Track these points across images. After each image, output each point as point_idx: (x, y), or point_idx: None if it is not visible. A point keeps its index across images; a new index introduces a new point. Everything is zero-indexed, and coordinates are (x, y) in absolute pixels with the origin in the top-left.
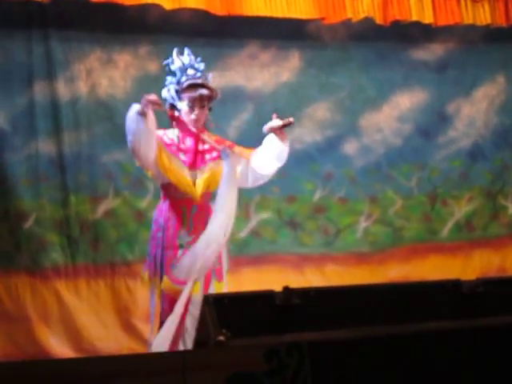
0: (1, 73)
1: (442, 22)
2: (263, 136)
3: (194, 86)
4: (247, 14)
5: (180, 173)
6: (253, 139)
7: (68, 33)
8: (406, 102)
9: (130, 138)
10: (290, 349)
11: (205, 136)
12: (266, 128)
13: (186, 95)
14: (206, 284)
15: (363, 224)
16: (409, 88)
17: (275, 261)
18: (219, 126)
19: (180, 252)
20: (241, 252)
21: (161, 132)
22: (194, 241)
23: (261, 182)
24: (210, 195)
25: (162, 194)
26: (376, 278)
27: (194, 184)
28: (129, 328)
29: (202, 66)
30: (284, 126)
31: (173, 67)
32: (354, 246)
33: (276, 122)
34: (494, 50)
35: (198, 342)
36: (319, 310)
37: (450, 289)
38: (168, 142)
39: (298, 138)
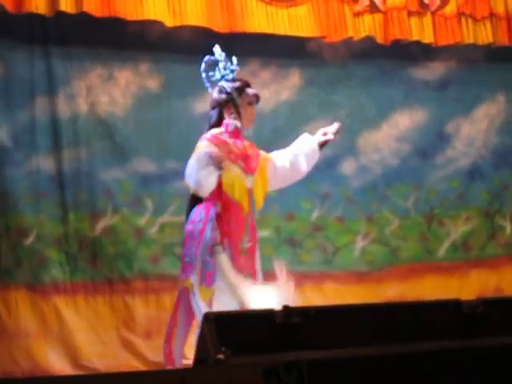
0: (3, 86)
1: (442, 42)
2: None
3: (246, 85)
4: (249, 31)
5: (240, 183)
6: None
7: (69, 49)
8: (405, 121)
9: (196, 186)
10: (289, 368)
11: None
12: (322, 131)
13: (250, 91)
14: None
15: (360, 243)
16: (409, 107)
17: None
18: None
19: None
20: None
21: (230, 141)
22: (253, 248)
23: (295, 179)
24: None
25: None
26: (374, 296)
27: (249, 191)
28: (127, 345)
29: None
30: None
31: (220, 64)
32: (352, 264)
33: (333, 128)
34: (494, 69)
35: (197, 359)
36: (319, 329)
37: (450, 309)
38: (234, 149)
39: None
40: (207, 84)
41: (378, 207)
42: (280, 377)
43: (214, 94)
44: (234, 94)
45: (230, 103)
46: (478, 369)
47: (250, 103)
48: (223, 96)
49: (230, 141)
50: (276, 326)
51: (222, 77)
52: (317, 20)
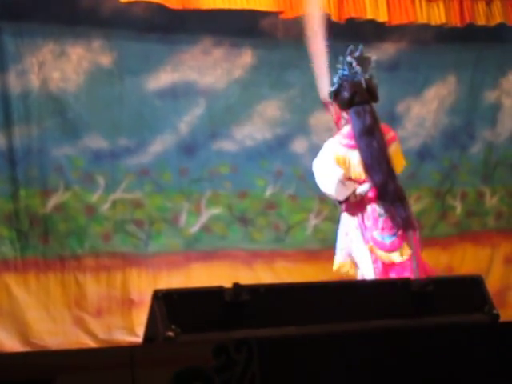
0: None
1: (396, 21)
2: (214, 131)
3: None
4: (204, 7)
5: None
6: (204, 134)
7: (20, 25)
8: None
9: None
10: (238, 345)
11: None
12: None
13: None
14: None
15: (313, 221)
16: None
17: (226, 256)
18: None
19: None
20: (191, 247)
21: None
22: None
23: None
24: None
25: None
26: (325, 275)
27: None
28: (78, 322)
29: None
30: None
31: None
32: (303, 242)
33: None
34: (445, 50)
35: (147, 337)
36: (269, 307)
37: (399, 287)
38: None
39: (248, 135)
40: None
41: None
42: (230, 354)
43: None
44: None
45: None
46: (427, 347)
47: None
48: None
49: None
50: (225, 303)
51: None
52: None
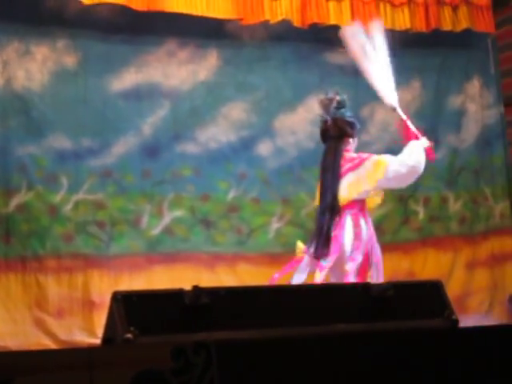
0: None
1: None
2: (177, 133)
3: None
4: (167, 10)
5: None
6: (167, 136)
7: None
8: None
9: None
10: (197, 348)
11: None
12: None
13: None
14: None
15: (275, 225)
16: (324, 91)
17: (188, 259)
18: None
19: None
20: (153, 250)
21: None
22: None
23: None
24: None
25: None
26: (287, 278)
27: None
28: (39, 323)
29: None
30: None
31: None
32: (266, 246)
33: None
34: (410, 55)
35: (106, 338)
36: (229, 310)
37: (359, 292)
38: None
39: (212, 138)
40: None
41: (293, 189)
42: (188, 357)
43: None
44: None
45: None
46: (386, 352)
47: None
48: None
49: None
50: (185, 306)
51: None
52: (234, 2)
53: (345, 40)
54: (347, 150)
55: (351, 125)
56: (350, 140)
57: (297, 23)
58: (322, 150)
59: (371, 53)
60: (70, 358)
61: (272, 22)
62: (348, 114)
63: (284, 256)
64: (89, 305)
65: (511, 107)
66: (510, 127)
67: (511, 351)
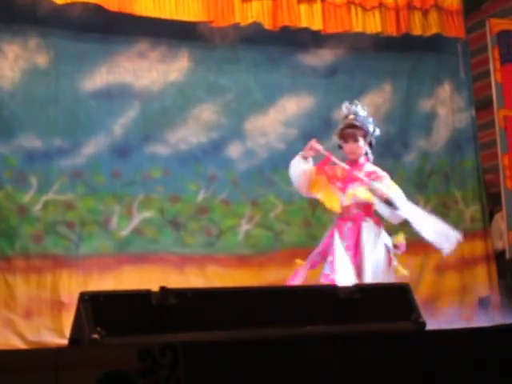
0: None
1: (331, 30)
2: (148, 134)
3: (346, 127)
4: (137, 13)
5: (330, 194)
6: (138, 137)
7: None
8: (292, 106)
9: (296, 180)
10: (164, 349)
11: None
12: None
13: (347, 131)
14: None
15: (244, 227)
16: (296, 93)
17: (157, 260)
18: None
19: None
20: (122, 250)
21: (327, 167)
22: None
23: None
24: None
25: None
26: (256, 280)
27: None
28: (7, 323)
29: (359, 110)
30: None
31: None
32: (235, 248)
33: None
34: (382, 58)
35: (72, 339)
36: (196, 311)
37: (326, 294)
38: (329, 173)
39: (183, 139)
40: None
41: (263, 191)
42: (155, 358)
43: None
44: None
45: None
46: (353, 354)
47: (345, 141)
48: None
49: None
50: (152, 307)
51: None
52: (204, 4)
53: None
54: None
55: None
56: None
57: (268, 26)
58: (293, 152)
59: None
60: (35, 359)
61: (243, 24)
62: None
63: (253, 258)
64: (58, 305)
65: (483, 111)
66: (482, 131)
67: (479, 354)
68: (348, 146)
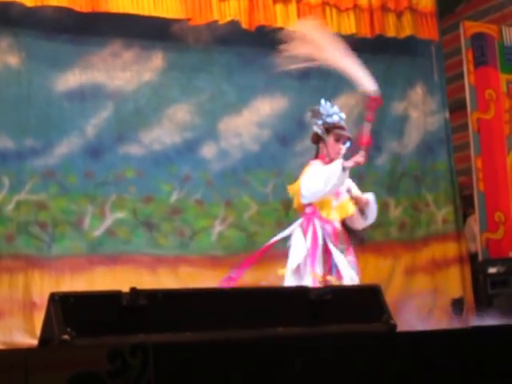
0: None
1: None
2: (121, 135)
3: (340, 128)
4: (113, 11)
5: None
6: (111, 138)
7: None
8: (266, 107)
9: (334, 187)
10: (134, 350)
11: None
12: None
13: (335, 132)
14: None
15: (218, 228)
16: (270, 94)
17: (129, 261)
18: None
19: None
20: (95, 251)
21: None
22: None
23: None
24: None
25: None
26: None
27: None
28: None
29: (342, 115)
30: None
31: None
32: (208, 248)
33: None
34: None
35: (43, 339)
36: (166, 312)
37: (297, 295)
38: None
39: (156, 139)
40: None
41: (237, 192)
42: (125, 359)
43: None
44: (323, 133)
45: (321, 141)
46: (323, 355)
47: (336, 140)
48: (314, 135)
49: None
50: (123, 307)
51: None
52: (182, 1)
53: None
54: None
55: None
56: None
57: (244, 25)
58: (266, 153)
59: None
60: (5, 359)
61: (221, 22)
62: None
63: (226, 259)
64: (29, 306)
65: (456, 113)
66: (455, 133)
67: (449, 355)
68: (337, 146)
